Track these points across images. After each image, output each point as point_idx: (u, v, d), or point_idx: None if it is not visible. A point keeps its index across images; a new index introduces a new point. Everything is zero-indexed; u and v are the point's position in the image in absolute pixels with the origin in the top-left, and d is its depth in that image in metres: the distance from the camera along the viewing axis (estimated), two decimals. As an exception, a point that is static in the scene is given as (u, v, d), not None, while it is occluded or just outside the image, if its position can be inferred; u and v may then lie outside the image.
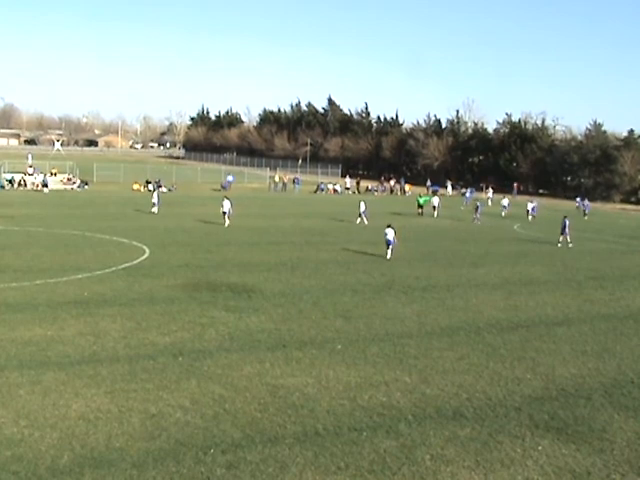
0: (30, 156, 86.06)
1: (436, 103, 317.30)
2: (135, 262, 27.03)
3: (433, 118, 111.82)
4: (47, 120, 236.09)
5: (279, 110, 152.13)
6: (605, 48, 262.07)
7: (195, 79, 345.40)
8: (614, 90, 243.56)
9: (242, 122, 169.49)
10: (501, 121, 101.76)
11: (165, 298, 21.14)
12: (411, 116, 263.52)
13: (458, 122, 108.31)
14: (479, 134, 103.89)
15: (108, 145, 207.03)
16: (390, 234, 30.68)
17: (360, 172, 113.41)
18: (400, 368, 15.47)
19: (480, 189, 78.48)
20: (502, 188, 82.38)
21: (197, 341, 16.85)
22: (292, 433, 11.77)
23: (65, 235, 33.98)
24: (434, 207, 53.22)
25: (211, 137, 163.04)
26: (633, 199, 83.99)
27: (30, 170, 68.82)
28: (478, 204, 51.88)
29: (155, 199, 46.36)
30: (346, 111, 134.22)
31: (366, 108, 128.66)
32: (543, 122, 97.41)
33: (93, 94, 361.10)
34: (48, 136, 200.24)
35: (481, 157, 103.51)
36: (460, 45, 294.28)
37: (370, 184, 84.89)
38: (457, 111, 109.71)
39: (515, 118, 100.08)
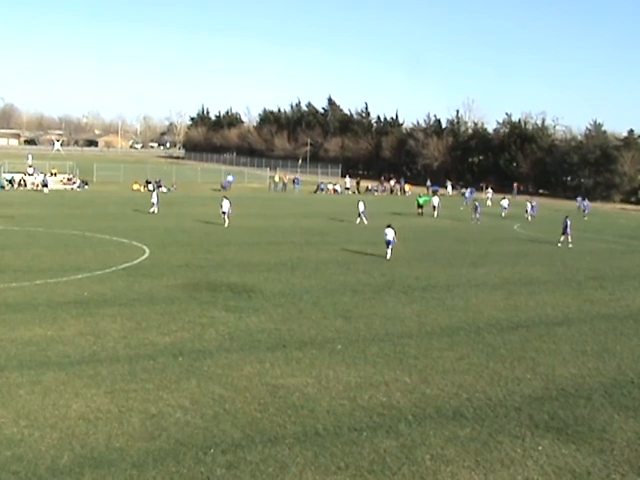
0: (30, 156, 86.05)
1: (436, 103, 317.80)
2: (135, 262, 27.03)
3: (433, 118, 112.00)
4: (47, 120, 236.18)
5: (279, 110, 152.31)
6: (605, 48, 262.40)
7: (195, 79, 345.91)
8: (614, 90, 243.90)
9: (242, 122, 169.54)
10: (501, 121, 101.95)
11: (165, 298, 21.14)
12: (411, 116, 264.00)
13: (458, 122, 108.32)
14: (479, 134, 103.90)
15: (108, 145, 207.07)
16: (390, 234, 30.68)
17: (360, 172, 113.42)
18: (400, 368, 15.47)
19: (480, 189, 78.48)
20: (502, 188, 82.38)
21: (197, 341, 16.85)
22: (292, 433, 11.77)
23: (65, 235, 33.99)
24: (434, 207, 53.24)
25: (211, 137, 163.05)
26: (633, 199, 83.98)
27: (30, 170, 68.84)
28: (477, 204, 51.91)
29: (154, 199, 46.37)
30: (346, 111, 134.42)
31: (366, 108, 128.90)
32: (543, 122, 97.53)
33: (93, 94, 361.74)
34: (48, 136, 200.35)
35: (481, 157, 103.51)
36: (460, 45, 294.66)
37: (370, 184, 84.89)
38: (457, 111, 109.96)
39: (515, 118, 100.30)
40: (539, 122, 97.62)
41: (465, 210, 57.44)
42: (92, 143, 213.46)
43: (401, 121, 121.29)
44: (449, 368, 15.64)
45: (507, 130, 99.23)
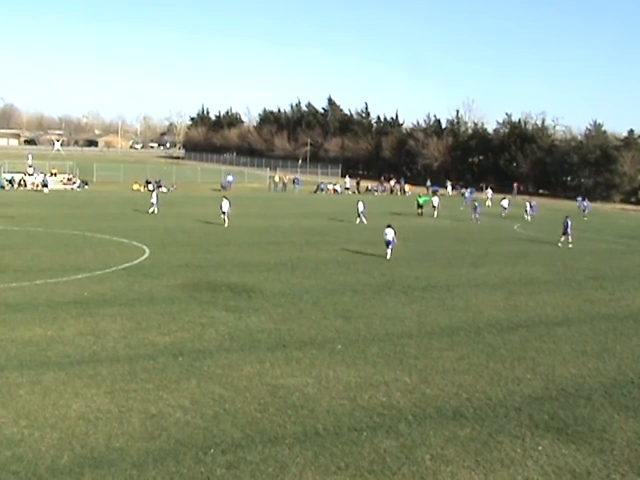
0: (30, 156, 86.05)
1: (436, 103, 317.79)
2: (135, 262, 27.03)
3: (433, 118, 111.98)
4: (47, 120, 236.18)
5: (279, 110, 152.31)
6: (605, 48, 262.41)
7: (195, 79, 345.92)
8: (614, 90, 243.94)
9: (242, 122, 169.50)
10: (501, 121, 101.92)
11: (165, 298, 21.14)
12: (411, 116, 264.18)
13: (458, 122, 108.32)
14: (479, 134, 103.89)
15: (108, 145, 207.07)
16: (390, 234, 30.68)
17: (360, 172, 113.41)
18: (400, 368, 15.47)
19: (480, 189, 78.49)
20: (502, 188, 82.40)
21: (197, 341, 16.85)
22: (292, 433, 11.77)
23: (65, 235, 33.99)
24: (434, 207, 53.25)
25: (211, 137, 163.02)
26: (633, 199, 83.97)
27: (30, 170, 68.83)
28: (476, 204, 51.96)
29: (154, 199, 46.34)
30: (346, 111, 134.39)
31: (366, 108, 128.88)
32: (543, 122, 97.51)
33: (93, 94, 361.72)
34: (48, 136, 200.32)
35: (481, 157, 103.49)
36: (460, 45, 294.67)
37: (370, 184, 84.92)
38: (457, 111, 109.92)
39: (515, 118, 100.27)
40: (539, 122, 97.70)
41: (465, 210, 57.44)
42: (92, 143, 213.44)
43: (401, 121, 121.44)
44: (449, 368, 15.64)
45: (507, 130, 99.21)
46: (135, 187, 67.98)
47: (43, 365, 14.54)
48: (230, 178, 76.43)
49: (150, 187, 66.57)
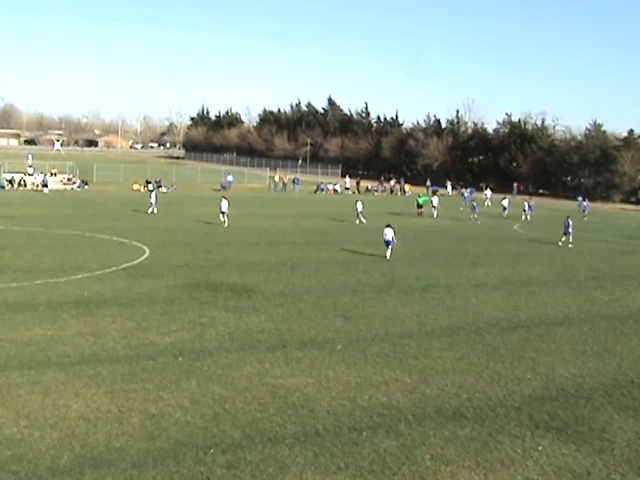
0: (30, 156, 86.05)
1: (436, 103, 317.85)
2: (135, 262, 27.03)
3: (433, 118, 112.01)
4: (47, 120, 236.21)
5: (279, 110, 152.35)
6: (605, 48, 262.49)
7: (195, 79, 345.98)
8: (614, 90, 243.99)
9: (242, 122, 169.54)
10: (501, 121, 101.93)
11: (165, 298, 21.14)
12: (411, 116, 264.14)
13: (458, 122, 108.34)
14: (479, 134, 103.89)
15: (108, 145, 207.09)
16: (389, 234, 30.67)
17: (360, 172, 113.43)
18: (400, 368, 15.47)
19: (480, 189, 78.50)
20: (502, 188, 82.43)
21: (197, 341, 16.85)
22: (292, 433, 11.77)
23: (65, 235, 33.99)
24: (434, 207, 53.25)
25: (211, 137, 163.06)
26: (633, 199, 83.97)
27: (30, 170, 68.84)
28: (475, 204, 52.00)
29: (153, 199, 46.30)
30: (346, 111, 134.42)
31: (366, 108, 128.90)
32: (543, 122, 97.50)
33: (93, 94, 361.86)
34: (48, 136, 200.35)
35: (481, 157, 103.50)
36: (460, 45, 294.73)
37: (370, 184, 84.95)
38: (457, 111, 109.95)
39: (515, 118, 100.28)
40: (539, 122, 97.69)
41: (465, 210, 57.42)
42: (92, 143, 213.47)
43: (401, 121, 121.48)
44: (449, 368, 15.64)
45: (507, 130, 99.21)
46: (135, 187, 67.98)
47: (43, 365, 14.54)
48: (230, 178, 76.44)
49: (150, 187, 66.58)
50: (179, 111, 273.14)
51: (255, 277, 25.06)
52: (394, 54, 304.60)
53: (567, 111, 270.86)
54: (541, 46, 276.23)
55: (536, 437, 12.08)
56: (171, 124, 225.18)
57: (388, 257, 30.45)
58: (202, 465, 10.48)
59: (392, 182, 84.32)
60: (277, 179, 79.10)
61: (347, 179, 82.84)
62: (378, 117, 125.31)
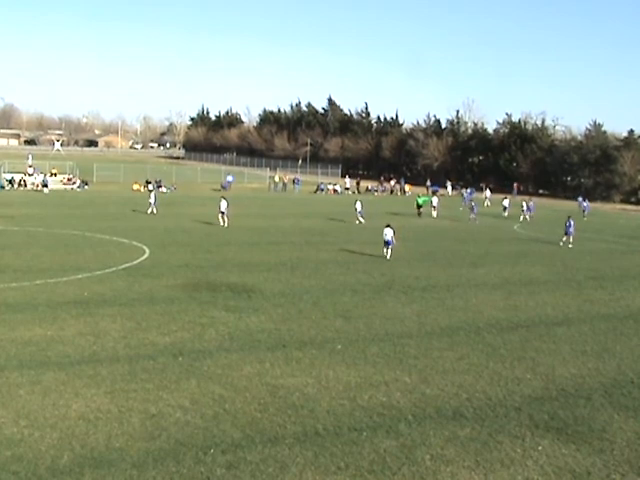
0: (30, 156, 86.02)
1: (436, 103, 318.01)
2: (135, 262, 27.04)
3: (433, 118, 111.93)
4: (47, 120, 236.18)
5: (279, 110, 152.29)
6: (605, 48, 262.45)
7: (195, 79, 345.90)
8: (614, 90, 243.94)
9: (242, 122, 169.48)
10: (501, 121, 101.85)
11: (165, 298, 21.14)
12: (411, 116, 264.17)
13: (458, 122, 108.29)
14: (479, 134, 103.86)
15: (108, 145, 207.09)
16: (389, 234, 30.67)
17: (360, 172, 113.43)
18: (400, 368, 15.47)
19: (480, 189, 78.50)
20: (502, 188, 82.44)
21: (197, 341, 16.85)
22: (292, 433, 11.77)
23: (65, 235, 33.99)
24: (433, 207, 53.26)
25: (211, 137, 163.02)
26: (633, 199, 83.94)
27: (30, 170, 68.83)
28: (473, 204, 52.05)
29: (152, 199, 46.27)
30: (346, 111, 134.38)
31: (366, 108, 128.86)
32: (543, 122, 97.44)
33: (93, 94, 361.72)
34: (48, 136, 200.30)
35: (481, 157, 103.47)
36: (460, 45, 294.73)
37: (370, 184, 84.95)
38: (457, 111, 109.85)
39: (515, 118, 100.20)
40: (539, 122, 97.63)
41: (464, 210, 57.42)
42: (92, 143, 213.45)
43: (401, 121, 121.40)
44: (449, 368, 15.64)
45: (507, 130, 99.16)
46: (135, 187, 67.97)
47: (43, 365, 14.54)
48: (230, 178, 76.43)
49: (150, 187, 66.59)
50: (179, 111, 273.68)
51: (255, 277, 25.06)
52: (394, 54, 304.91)
53: (567, 111, 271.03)
54: (541, 46, 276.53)
55: (536, 437, 12.09)
56: (171, 124, 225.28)
57: (388, 257, 30.45)
58: (202, 465, 10.49)
59: (392, 182, 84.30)
60: (277, 179, 79.11)
61: (347, 179, 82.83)
62: (378, 117, 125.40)
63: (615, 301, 24.22)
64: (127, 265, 26.24)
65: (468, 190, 71.83)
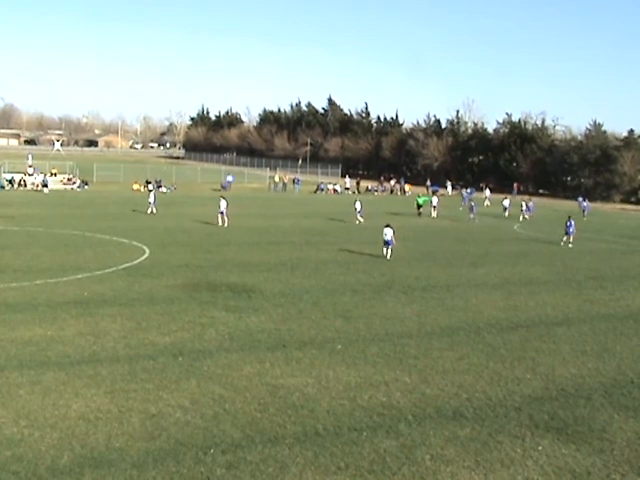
0: (30, 156, 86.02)
1: (436, 103, 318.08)
2: (135, 262, 27.04)
3: (433, 118, 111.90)
4: (47, 120, 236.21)
5: (279, 110, 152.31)
6: (605, 48, 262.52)
7: (195, 79, 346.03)
8: (614, 90, 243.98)
9: (242, 122, 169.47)
10: (501, 121, 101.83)
11: (165, 298, 21.14)
12: (411, 116, 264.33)
13: (458, 122, 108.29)
14: (479, 134, 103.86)
15: (108, 145, 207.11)
16: (389, 234, 30.66)
17: (360, 172, 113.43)
18: (400, 368, 15.47)
19: (480, 189, 78.52)
20: (502, 188, 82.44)
21: (197, 341, 16.85)
22: (292, 433, 11.77)
23: (65, 235, 33.99)
24: (433, 207, 53.26)
25: (211, 137, 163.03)
26: (633, 199, 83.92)
27: (30, 170, 68.84)
28: (472, 204, 52.06)
29: (151, 199, 46.26)
30: (346, 111, 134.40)
31: (366, 108, 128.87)
32: (543, 122, 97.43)
33: (93, 94, 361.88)
34: (48, 136, 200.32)
35: (481, 157, 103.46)
36: (460, 45, 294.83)
37: (370, 184, 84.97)
38: (457, 111, 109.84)
39: (515, 118, 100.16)
40: (539, 122, 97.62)
41: (464, 210, 57.43)
42: (92, 143, 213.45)
43: (401, 121, 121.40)
44: (449, 368, 15.64)
45: (507, 130, 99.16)
46: (135, 187, 67.97)
47: (43, 365, 14.54)
48: (230, 178, 76.45)
49: (150, 187, 66.59)
50: (179, 111, 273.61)
51: (255, 277, 25.06)
52: (394, 54, 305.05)
53: (567, 111, 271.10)
54: (541, 46, 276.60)
55: (536, 437, 12.09)
56: (171, 124, 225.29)
57: (388, 257, 30.44)
58: (202, 465, 10.49)
59: (392, 182, 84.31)
60: (277, 179, 79.11)
61: (347, 179, 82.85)
62: (378, 117, 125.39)
63: (615, 301, 24.22)
64: (127, 265, 26.24)
65: (468, 190, 71.85)
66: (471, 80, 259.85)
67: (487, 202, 65.80)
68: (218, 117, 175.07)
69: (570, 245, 38.47)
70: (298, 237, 37.45)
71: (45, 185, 61.69)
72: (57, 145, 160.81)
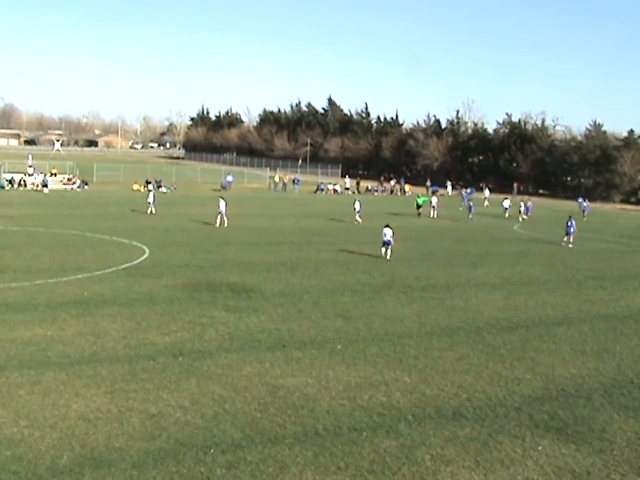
0: (30, 156, 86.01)
1: (436, 103, 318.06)
2: (135, 262, 27.04)
3: (433, 118, 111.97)
4: (47, 120, 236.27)
5: (279, 110, 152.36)
6: (605, 48, 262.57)
7: (195, 79, 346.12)
8: (614, 90, 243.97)
9: (242, 122, 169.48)
10: (501, 121, 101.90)
11: (165, 298, 21.14)
12: (411, 116, 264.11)
13: (458, 122, 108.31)
14: (479, 134, 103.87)
15: (108, 145, 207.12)
16: (388, 234, 30.65)
17: (360, 172, 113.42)
18: (400, 368, 15.47)
19: (480, 189, 78.54)
20: (502, 188, 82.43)
21: (197, 341, 16.85)
22: (292, 433, 11.77)
23: (65, 235, 33.99)
24: (433, 207, 53.26)
25: (211, 137, 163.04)
26: (633, 199, 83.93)
27: (30, 170, 68.85)
28: (471, 204, 52.09)
29: (150, 199, 46.24)
30: (346, 111, 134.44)
31: (366, 108, 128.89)
32: (543, 122, 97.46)
33: (93, 94, 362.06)
34: (48, 136, 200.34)
35: (481, 157, 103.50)
36: (460, 45, 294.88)
37: (370, 184, 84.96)
38: (457, 111, 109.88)
39: (515, 118, 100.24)
40: (539, 122, 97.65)
41: (464, 210, 57.43)
42: (92, 143, 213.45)
43: (401, 121, 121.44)
44: (449, 368, 15.64)
45: (507, 130, 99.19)
46: (135, 187, 67.96)
47: (43, 365, 14.54)
48: (230, 178, 76.45)
49: (150, 187, 66.58)
50: (179, 111, 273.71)
51: (255, 277, 25.06)
52: (394, 54, 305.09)
53: (567, 111, 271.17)
54: (541, 46, 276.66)
55: (536, 437, 12.09)
56: (171, 124, 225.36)
57: (388, 257, 30.44)
58: (202, 465, 10.49)
59: (392, 182, 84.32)
60: (277, 179, 79.12)
61: (347, 179, 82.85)
62: (378, 117, 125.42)
63: (615, 301, 24.22)
64: (127, 265, 26.25)
65: (468, 190, 71.87)
66: (471, 80, 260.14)
67: (486, 202, 65.80)
68: (218, 117, 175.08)
69: (570, 245, 38.47)
70: (298, 237, 37.45)
71: (45, 185, 61.70)
72: (57, 145, 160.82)
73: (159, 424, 11.85)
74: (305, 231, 40.33)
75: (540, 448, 11.65)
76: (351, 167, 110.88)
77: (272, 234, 38.22)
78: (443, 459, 11.04)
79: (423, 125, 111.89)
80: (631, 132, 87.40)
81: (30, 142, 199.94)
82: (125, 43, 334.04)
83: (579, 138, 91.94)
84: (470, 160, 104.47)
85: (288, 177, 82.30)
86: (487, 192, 69.91)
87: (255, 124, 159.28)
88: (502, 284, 26.36)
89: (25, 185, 64.49)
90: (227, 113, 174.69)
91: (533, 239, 41.93)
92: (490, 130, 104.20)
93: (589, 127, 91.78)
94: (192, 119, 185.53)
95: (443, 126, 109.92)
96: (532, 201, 59.69)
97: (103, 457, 10.56)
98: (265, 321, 18.97)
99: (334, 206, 58.75)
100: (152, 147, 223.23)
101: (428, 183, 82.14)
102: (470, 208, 50.99)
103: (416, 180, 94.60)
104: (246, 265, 27.69)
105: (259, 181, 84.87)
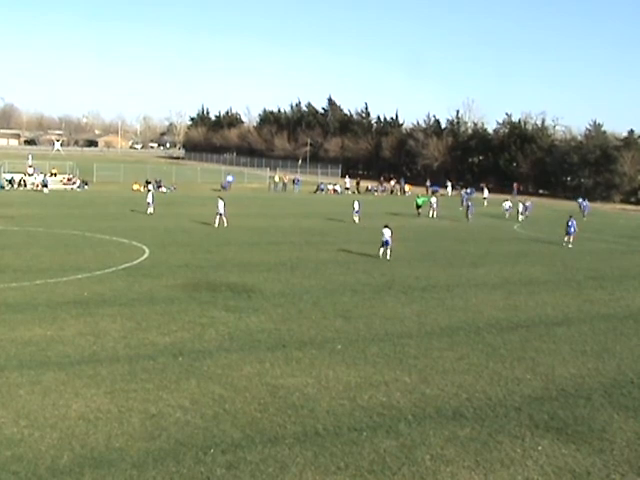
0: (30, 156, 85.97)
1: (436, 103, 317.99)
2: (135, 262, 27.03)
3: (433, 118, 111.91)
4: (47, 120, 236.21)
5: (279, 110, 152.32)
6: (605, 48, 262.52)
7: (195, 79, 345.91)
8: (614, 90, 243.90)
9: (242, 122, 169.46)
10: (501, 121, 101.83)
11: (165, 298, 21.14)
12: (411, 116, 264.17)
13: (458, 122, 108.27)
14: (479, 134, 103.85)
15: (108, 145, 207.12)
16: (387, 234, 30.65)
17: (360, 172, 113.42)
18: (400, 368, 15.47)
19: (480, 189, 78.52)
20: (502, 188, 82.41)
21: (197, 341, 16.85)
22: (292, 433, 11.77)
23: (65, 235, 33.99)
24: (432, 207, 53.26)
25: (211, 137, 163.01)
26: (633, 199, 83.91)
27: (30, 170, 68.83)
28: (469, 204, 52.10)
29: (150, 199, 46.23)
30: (346, 111, 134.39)
31: (366, 108, 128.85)
32: (543, 122, 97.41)
33: (93, 94, 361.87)
34: (48, 136, 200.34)
35: (481, 157, 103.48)
36: (460, 45, 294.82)
37: (370, 184, 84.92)
38: (457, 111, 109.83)
39: (515, 118, 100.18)
40: (539, 122, 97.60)
41: (464, 210, 57.43)
42: (92, 143, 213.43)
43: (401, 121, 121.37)
44: (449, 368, 15.64)
45: (507, 130, 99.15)
46: (135, 187, 67.95)
47: (43, 365, 14.54)
48: (230, 178, 76.44)
49: (150, 187, 66.57)
50: (179, 111, 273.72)
51: (255, 277, 25.06)
52: (394, 54, 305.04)
53: (567, 111, 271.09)
54: (541, 46, 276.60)
55: (536, 437, 12.09)
56: (171, 124, 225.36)
57: (388, 257, 30.43)
58: (202, 465, 10.49)
59: (392, 182, 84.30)
60: (277, 179, 79.11)
61: (347, 179, 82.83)
62: (378, 117, 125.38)
63: (615, 301, 24.22)
64: (127, 265, 26.25)
65: (467, 190, 71.85)
66: (471, 80, 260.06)
67: (485, 202, 65.78)
68: (218, 117, 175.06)
69: (570, 245, 38.47)
70: (298, 237, 37.45)
71: (45, 185, 61.69)
72: (57, 145, 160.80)
73: (159, 424, 11.85)
74: (305, 231, 40.33)
75: (540, 448, 11.65)
76: (351, 167, 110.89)
77: (272, 234, 38.22)
78: (443, 459, 11.04)
79: (423, 125, 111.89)
80: (631, 132, 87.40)
81: (30, 142, 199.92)
82: (125, 43, 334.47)
83: (579, 138, 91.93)
84: (470, 160, 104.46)
85: (288, 177, 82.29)
86: (486, 192, 69.90)
87: (255, 124, 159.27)
88: (502, 284, 26.36)
89: (25, 185, 64.48)
90: (227, 113, 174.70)
91: (533, 239, 41.93)
92: (490, 130, 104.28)
93: (589, 127, 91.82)
94: (192, 119, 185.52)
95: (443, 126, 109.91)
96: (531, 201, 59.67)
97: (103, 457, 10.56)
98: (265, 321, 18.97)
99: (334, 206, 58.74)
100: (152, 147, 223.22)
101: (428, 183, 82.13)
102: (469, 208, 51.00)
103: (416, 180, 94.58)
104: (246, 265, 27.69)
105: (259, 181, 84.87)
